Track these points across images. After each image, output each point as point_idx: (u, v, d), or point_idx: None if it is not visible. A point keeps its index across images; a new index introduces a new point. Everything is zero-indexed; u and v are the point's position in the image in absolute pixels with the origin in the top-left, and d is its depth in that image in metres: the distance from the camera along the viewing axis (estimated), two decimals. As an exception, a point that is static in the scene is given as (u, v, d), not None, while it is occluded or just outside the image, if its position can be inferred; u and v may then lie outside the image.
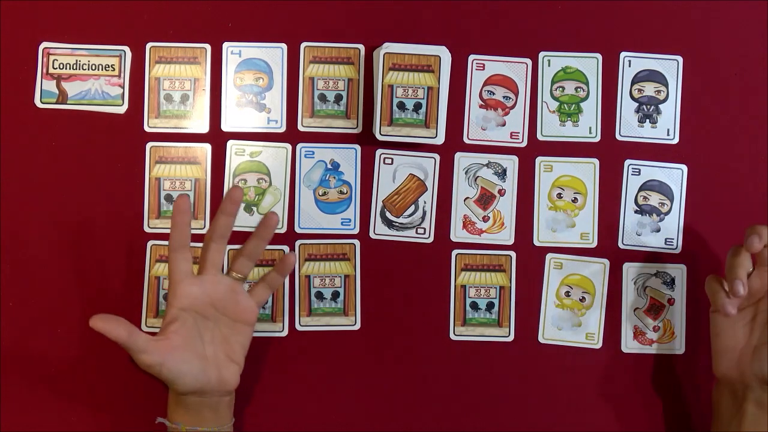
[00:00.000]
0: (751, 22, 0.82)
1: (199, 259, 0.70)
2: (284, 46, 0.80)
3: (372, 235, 0.79)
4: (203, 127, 0.79)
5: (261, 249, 0.71)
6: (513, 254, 0.80)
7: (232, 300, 0.70)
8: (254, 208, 0.79)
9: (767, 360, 0.67)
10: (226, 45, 0.79)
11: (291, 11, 0.80)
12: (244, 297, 0.70)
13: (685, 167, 0.81)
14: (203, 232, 0.78)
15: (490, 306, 0.80)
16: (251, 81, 0.80)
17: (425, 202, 0.80)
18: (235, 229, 0.79)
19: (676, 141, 0.81)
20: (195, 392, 0.67)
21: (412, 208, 0.80)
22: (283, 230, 0.79)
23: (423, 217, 0.80)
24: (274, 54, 0.80)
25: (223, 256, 0.71)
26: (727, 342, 0.70)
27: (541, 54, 0.81)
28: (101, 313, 0.64)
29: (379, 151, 0.80)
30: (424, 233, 0.80)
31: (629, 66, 0.81)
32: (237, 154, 0.79)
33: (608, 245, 0.81)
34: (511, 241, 0.80)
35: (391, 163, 0.80)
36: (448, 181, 0.80)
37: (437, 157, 0.80)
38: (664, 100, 0.81)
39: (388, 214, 0.80)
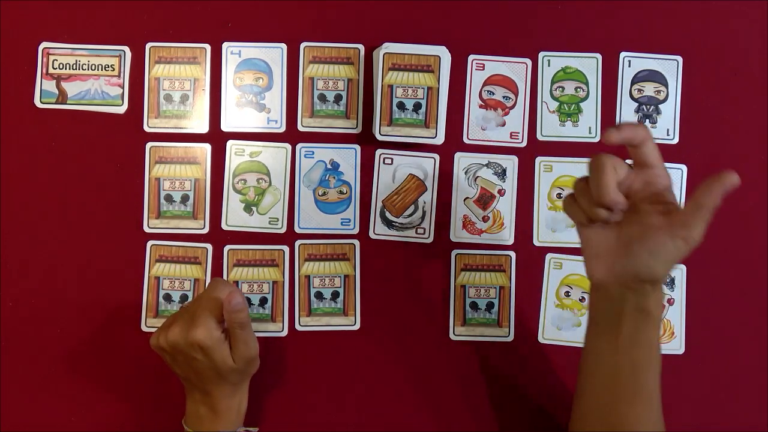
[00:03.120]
0: (751, 22, 0.82)
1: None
2: (284, 46, 0.80)
3: (372, 235, 0.80)
4: (203, 127, 0.79)
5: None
6: (513, 254, 0.80)
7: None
8: (254, 208, 0.79)
9: (641, 255, 0.60)
10: (225, 45, 0.79)
11: (291, 11, 0.80)
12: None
13: (685, 167, 0.81)
14: (203, 232, 0.79)
15: (490, 306, 0.80)
16: (251, 81, 0.80)
17: (425, 202, 0.80)
18: (234, 229, 0.79)
19: (676, 141, 0.81)
20: (250, 362, 0.69)
21: (412, 208, 0.80)
22: (283, 230, 0.79)
23: (423, 217, 0.80)
24: (274, 54, 0.80)
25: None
26: (599, 247, 0.63)
27: (541, 54, 0.81)
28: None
29: (378, 151, 0.80)
30: (424, 233, 0.80)
31: (629, 66, 0.81)
32: (237, 154, 0.79)
33: (608, 245, 0.81)
34: (511, 241, 0.80)
35: (391, 163, 0.80)
36: (448, 181, 0.80)
37: (437, 157, 0.80)
38: (664, 100, 0.81)
39: (387, 214, 0.80)
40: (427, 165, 0.80)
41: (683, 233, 0.60)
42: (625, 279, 0.61)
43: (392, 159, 0.80)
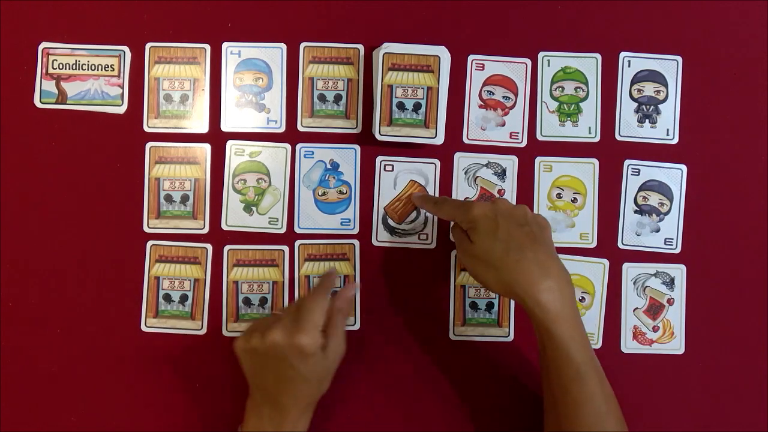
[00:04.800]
0: (751, 22, 0.82)
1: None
2: (284, 46, 0.80)
3: (374, 242, 0.80)
4: (203, 127, 0.79)
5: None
6: (513, 254, 0.80)
7: None
8: (254, 208, 0.79)
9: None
10: (225, 45, 0.79)
11: (291, 11, 0.80)
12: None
13: (684, 167, 0.81)
14: (203, 232, 0.79)
15: (489, 306, 0.80)
16: (251, 81, 0.80)
17: (426, 207, 0.80)
18: (233, 229, 0.79)
19: (675, 141, 0.81)
20: (336, 361, 0.69)
21: (414, 214, 0.80)
22: (283, 230, 0.79)
23: (425, 223, 0.80)
24: (274, 54, 0.80)
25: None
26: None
27: (541, 54, 0.81)
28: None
29: (379, 158, 0.80)
30: (427, 239, 0.80)
31: (629, 66, 0.81)
32: (237, 154, 0.79)
33: (608, 245, 0.81)
34: (510, 241, 0.80)
35: (392, 170, 0.80)
36: (448, 181, 0.80)
37: (438, 162, 0.80)
38: (664, 100, 0.81)
39: (389, 221, 0.80)
40: (427, 170, 0.80)
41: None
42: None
43: (393, 166, 0.80)
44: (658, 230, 0.81)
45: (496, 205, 0.68)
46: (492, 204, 0.68)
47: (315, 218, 0.80)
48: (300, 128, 0.80)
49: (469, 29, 0.81)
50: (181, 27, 0.79)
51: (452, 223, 0.74)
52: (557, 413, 0.67)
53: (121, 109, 0.79)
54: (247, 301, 0.79)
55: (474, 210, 0.67)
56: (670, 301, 0.80)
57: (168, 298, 0.78)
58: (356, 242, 0.80)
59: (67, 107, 0.79)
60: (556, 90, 0.81)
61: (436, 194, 0.80)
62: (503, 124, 0.81)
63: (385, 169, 0.80)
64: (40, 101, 0.79)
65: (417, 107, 0.77)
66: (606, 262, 0.80)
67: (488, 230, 0.66)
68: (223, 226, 0.79)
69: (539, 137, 0.81)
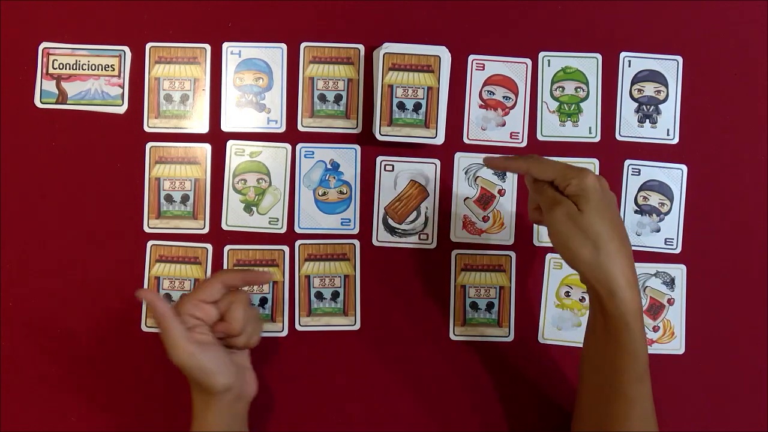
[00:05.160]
0: (751, 22, 0.82)
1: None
2: (284, 46, 0.80)
3: (375, 242, 0.79)
4: (203, 127, 0.79)
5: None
6: (513, 254, 0.80)
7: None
8: (254, 208, 0.79)
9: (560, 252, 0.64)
10: (225, 45, 0.79)
11: (291, 11, 0.80)
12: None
13: (684, 167, 0.81)
14: (203, 232, 0.79)
15: (490, 306, 0.80)
16: (251, 81, 0.80)
17: (427, 208, 0.80)
18: (234, 229, 0.79)
19: (675, 141, 0.81)
20: (229, 390, 0.66)
21: (414, 214, 0.80)
22: (283, 230, 0.79)
23: (425, 223, 0.80)
24: (274, 54, 0.80)
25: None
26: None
27: (541, 54, 0.81)
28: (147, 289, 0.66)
29: (379, 158, 0.80)
30: (427, 239, 0.80)
31: (629, 66, 0.81)
32: (237, 154, 0.79)
33: (608, 245, 0.81)
34: (511, 241, 0.80)
35: (392, 170, 0.80)
36: (448, 181, 0.80)
37: (438, 162, 0.80)
38: (664, 100, 0.81)
39: (390, 221, 0.80)
40: (428, 171, 0.80)
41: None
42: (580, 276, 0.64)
43: (393, 166, 0.80)
44: (658, 230, 0.81)
45: (602, 181, 0.64)
46: (599, 178, 0.64)
47: (315, 218, 0.80)
48: (300, 128, 0.80)
49: (469, 29, 0.81)
50: (182, 27, 0.79)
51: (532, 180, 0.67)
52: (605, 412, 0.65)
53: (122, 109, 0.79)
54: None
55: (589, 178, 0.63)
56: (671, 301, 0.80)
57: (168, 298, 0.78)
58: (356, 242, 0.80)
59: (68, 107, 0.79)
60: (556, 90, 0.81)
61: (437, 194, 0.80)
62: (503, 124, 0.81)
63: (385, 169, 0.80)
64: (41, 101, 0.79)
65: (417, 107, 0.77)
66: (606, 262, 0.80)
67: (599, 205, 0.62)
68: (224, 226, 0.79)
69: (539, 137, 0.81)
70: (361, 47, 0.80)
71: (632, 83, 0.81)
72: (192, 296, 0.67)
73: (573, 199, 0.63)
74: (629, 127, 0.81)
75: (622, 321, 0.62)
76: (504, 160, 0.68)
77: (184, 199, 0.79)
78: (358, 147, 0.80)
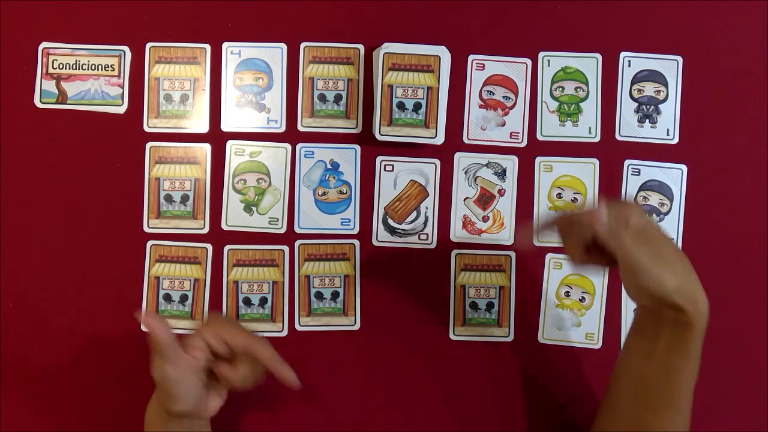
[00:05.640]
0: (751, 22, 0.82)
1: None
2: (284, 46, 0.80)
3: (375, 242, 0.79)
4: (203, 127, 0.79)
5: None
6: (513, 254, 0.80)
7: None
8: (254, 208, 0.79)
9: (637, 283, 0.63)
10: (225, 45, 0.79)
11: (291, 11, 0.80)
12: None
13: (684, 167, 0.81)
14: (203, 232, 0.79)
15: (490, 306, 0.80)
16: (251, 81, 0.80)
17: (427, 208, 0.80)
18: (233, 229, 0.79)
19: (675, 141, 0.81)
20: (185, 415, 0.67)
21: (414, 214, 0.80)
22: (283, 230, 0.79)
23: (425, 223, 0.80)
24: (274, 54, 0.80)
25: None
26: (623, 277, 0.65)
27: (541, 54, 0.81)
28: (150, 312, 0.65)
29: (379, 158, 0.80)
30: (427, 239, 0.80)
31: (629, 66, 0.81)
32: (237, 154, 0.79)
33: (608, 245, 0.81)
34: (511, 241, 0.80)
35: (392, 170, 0.80)
36: (448, 181, 0.80)
37: (438, 162, 0.80)
38: (664, 100, 0.81)
39: (390, 221, 0.80)
40: (428, 170, 0.80)
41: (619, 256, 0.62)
42: (651, 299, 0.63)
43: (393, 166, 0.80)
44: (658, 230, 0.81)
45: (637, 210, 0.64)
46: (632, 207, 0.64)
47: (315, 218, 0.80)
48: (300, 128, 0.80)
49: (469, 29, 0.81)
50: (181, 27, 0.79)
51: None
52: (650, 421, 0.65)
53: (121, 109, 0.79)
54: (247, 301, 0.79)
55: (633, 212, 0.63)
56: (670, 301, 0.80)
57: (168, 298, 0.78)
58: (356, 242, 0.80)
59: (67, 107, 0.79)
60: (556, 90, 0.81)
61: (437, 193, 0.80)
62: (503, 124, 0.81)
63: (385, 169, 0.80)
64: (40, 101, 0.79)
65: (417, 107, 0.77)
66: (606, 262, 0.80)
67: (649, 229, 0.63)
68: (223, 226, 0.79)
69: (539, 137, 0.81)
70: (361, 47, 0.80)
71: (632, 83, 0.81)
72: (219, 331, 0.67)
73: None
74: (629, 127, 0.81)
75: (702, 333, 0.64)
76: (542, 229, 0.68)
77: (184, 199, 0.79)
78: (358, 147, 0.80)
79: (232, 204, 0.79)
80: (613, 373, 0.69)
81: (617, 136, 0.81)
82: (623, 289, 0.80)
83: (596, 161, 0.81)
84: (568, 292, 0.80)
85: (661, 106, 0.81)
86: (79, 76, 0.79)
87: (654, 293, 0.62)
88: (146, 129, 0.79)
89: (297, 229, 0.79)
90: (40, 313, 0.78)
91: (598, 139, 0.81)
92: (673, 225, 0.81)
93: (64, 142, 0.79)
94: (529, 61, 0.81)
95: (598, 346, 0.80)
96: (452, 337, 0.80)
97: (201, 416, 0.69)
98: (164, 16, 0.79)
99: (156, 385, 0.66)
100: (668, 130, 0.81)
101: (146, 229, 0.79)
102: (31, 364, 0.78)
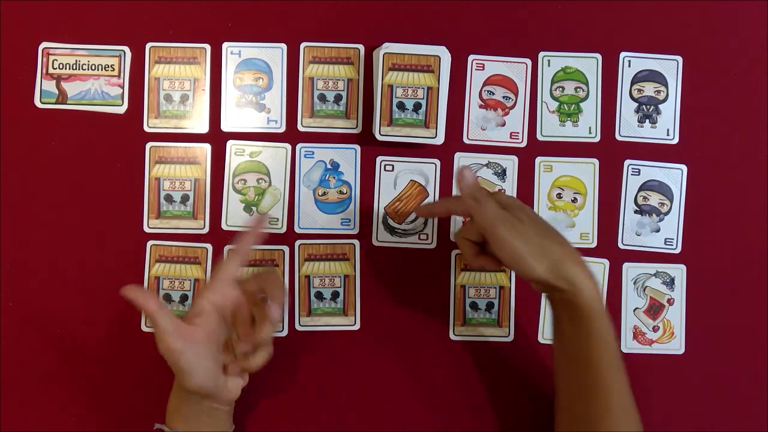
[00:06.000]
0: (751, 22, 0.82)
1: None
2: (284, 46, 0.80)
3: (375, 242, 0.79)
4: (203, 127, 0.79)
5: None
6: (513, 254, 0.80)
7: (248, 317, 0.69)
8: (254, 208, 0.79)
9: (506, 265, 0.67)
10: (225, 45, 0.79)
11: (291, 11, 0.80)
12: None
13: (684, 167, 0.81)
14: (203, 232, 0.79)
15: (489, 306, 0.80)
16: (251, 81, 0.80)
17: (427, 208, 0.80)
18: (234, 229, 0.79)
19: (675, 141, 0.81)
20: (202, 392, 0.67)
21: (414, 214, 0.80)
22: (283, 230, 0.79)
23: (425, 223, 0.80)
24: (274, 54, 0.80)
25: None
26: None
27: (541, 54, 0.81)
28: (132, 285, 0.65)
29: (379, 158, 0.80)
30: (427, 239, 0.80)
31: (629, 66, 0.81)
32: (237, 154, 0.79)
33: (608, 245, 0.81)
34: (510, 241, 0.80)
35: (392, 170, 0.80)
36: (448, 181, 0.80)
37: (438, 162, 0.80)
38: (664, 100, 0.81)
39: (390, 221, 0.80)
40: (428, 170, 0.80)
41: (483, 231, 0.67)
42: (536, 282, 0.66)
43: (393, 166, 0.80)
44: (658, 230, 0.81)
45: (496, 198, 0.69)
46: (488, 198, 0.68)
47: (315, 218, 0.80)
48: (300, 128, 0.80)
49: (469, 29, 0.81)
50: (181, 27, 0.79)
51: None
52: (585, 409, 0.65)
53: (122, 109, 0.79)
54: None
55: (487, 207, 0.66)
56: (670, 301, 0.80)
57: (168, 298, 0.78)
58: (356, 242, 0.80)
59: (68, 107, 0.79)
60: (556, 90, 0.81)
61: (437, 194, 0.80)
62: (503, 124, 0.81)
63: (385, 169, 0.80)
64: (40, 101, 0.79)
65: (417, 107, 0.77)
66: (606, 262, 0.80)
67: (521, 215, 0.67)
68: (224, 226, 0.79)
69: (539, 137, 0.81)
70: (361, 47, 0.80)
71: (632, 83, 0.81)
72: (213, 282, 0.67)
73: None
74: (629, 127, 0.81)
75: (592, 310, 0.65)
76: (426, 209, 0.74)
77: (184, 199, 0.79)
78: (358, 147, 0.80)
79: (232, 204, 0.79)
80: (553, 371, 0.70)
81: (617, 136, 0.81)
82: (622, 287, 0.81)
83: (596, 161, 0.81)
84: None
85: (661, 106, 0.81)
86: (79, 76, 0.79)
87: (524, 272, 0.65)
88: (146, 129, 0.79)
89: (297, 229, 0.79)
90: (40, 313, 0.78)
91: (598, 139, 0.81)
92: (673, 225, 0.81)
93: (64, 142, 0.79)
94: (529, 61, 0.81)
95: (598, 346, 0.80)
96: (452, 337, 0.80)
97: (221, 397, 0.68)
98: (164, 16, 0.79)
99: (167, 363, 0.66)
100: (668, 130, 0.81)
101: (146, 229, 0.79)
102: (31, 364, 0.78)
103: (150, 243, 0.78)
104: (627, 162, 0.81)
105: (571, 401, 0.68)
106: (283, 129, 0.80)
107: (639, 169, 0.81)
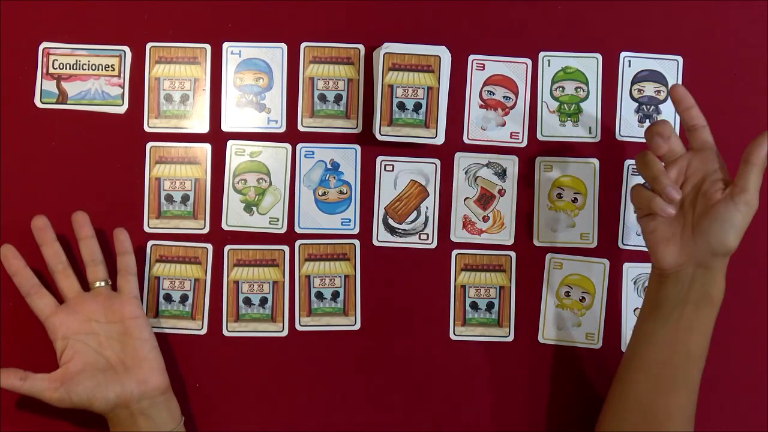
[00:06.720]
0: (751, 22, 0.82)
1: (58, 290, 0.73)
2: (284, 46, 0.80)
3: (375, 242, 0.79)
4: (203, 127, 0.79)
5: (96, 249, 0.73)
6: (513, 254, 0.80)
7: (107, 306, 0.72)
8: (254, 208, 0.79)
9: (712, 229, 0.65)
10: (226, 45, 0.79)
11: (291, 11, 0.80)
12: (116, 298, 0.72)
13: (685, 167, 0.81)
14: (203, 232, 0.79)
15: (490, 306, 0.80)
16: (251, 81, 0.80)
17: (427, 208, 0.80)
18: (234, 229, 0.79)
19: (676, 141, 0.81)
20: (120, 405, 0.68)
21: (415, 214, 0.80)
22: (283, 230, 0.79)
23: (425, 223, 0.80)
24: (274, 54, 0.80)
25: (72, 278, 0.73)
26: (666, 232, 0.68)
27: (541, 54, 0.81)
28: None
29: (379, 158, 0.80)
30: (427, 239, 0.80)
31: (629, 66, 0.81)
32: (237, 154, 0.79)
33: (608, 245, 0.81)
34: (511, 241, 0.80)
35: (392, 170, 0.80)
36: (448, 181, 0.80)
37: (438, 162, 0.80)
38: (664, 100, 0.81)
39: (390, 221, 0.80)
40: (428, 170, 0.80)
41: (743, 198, 0.65)
42: (698, 256, 0.66)
43: (393, 165, 0.80)
44: (658, 230, 0.81)
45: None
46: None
47: (315, 218, 0.80)
48: (300, 128, 0.80)
49: (469, 29, 0.81)
50: (182, 27, 0.79)
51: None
52: (664, 404, 0.66)
53: (122, 109, 0.79)
54: (248, 301, 0.79)
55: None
56: (671, 301, 0.80)
57: (168, 298, 0.78)
58: (356, 242, 0.80)
59: (68, 107, 0.79)
60: (556, 90, 0.81)
61: (437, 193, 0.80)
62: (503, 124, 0.81)
63: (385, 169, 0.80)
64: (41, 101, 0.79)
65: (417, 107, 0.77)
66: (606, 262, 0.80)
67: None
68: (224, 226, 0.79)
69: (540, 137, 0.81)
70: (361, 47, 0.80)
71: (632, 83, 0.81)
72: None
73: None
74: (629, 127, 0.81)
75: (719, 301, 0.66)
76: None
77: (184, 199, 0.79)
78: (358, 147, 0.80)
79: (233, 204, 0.79)
80: (625, 362, 0.70)
81: (617, 136, 0.81)
82: (622, 287, 0.81)
83: (596, 161, 0.81)
84: (568, 292, 0.80)
85: (661, 106, 0.81)
86: (80, 76, 0.79)
87: (718, 248, 0.65)
88: (146, 129, 0.79)
89: (297, 229, 0.79)
90: (40, 313, 0.78)
91: (598, 139, 0.81)
92: (673, 225, 0.81)
93: (64, 142, 0.79)
94: (529, 61, 0.81)
95: (599, 346, 0.80)
96: (452, 337, 0.80)
97: (145, 392, 0.69)
98: (164, 16, 0.79)
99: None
100: (668, 130, 0.81)
101: (146, 229, 0.79)
102: (31, 365, 0.77)
103: (150, 243, 0.78)
104: (627, 162, 0.81)
105: (645, 400, 0.67)
106: (283, 129, 0.80)
107: (639, 169, 0.81)
